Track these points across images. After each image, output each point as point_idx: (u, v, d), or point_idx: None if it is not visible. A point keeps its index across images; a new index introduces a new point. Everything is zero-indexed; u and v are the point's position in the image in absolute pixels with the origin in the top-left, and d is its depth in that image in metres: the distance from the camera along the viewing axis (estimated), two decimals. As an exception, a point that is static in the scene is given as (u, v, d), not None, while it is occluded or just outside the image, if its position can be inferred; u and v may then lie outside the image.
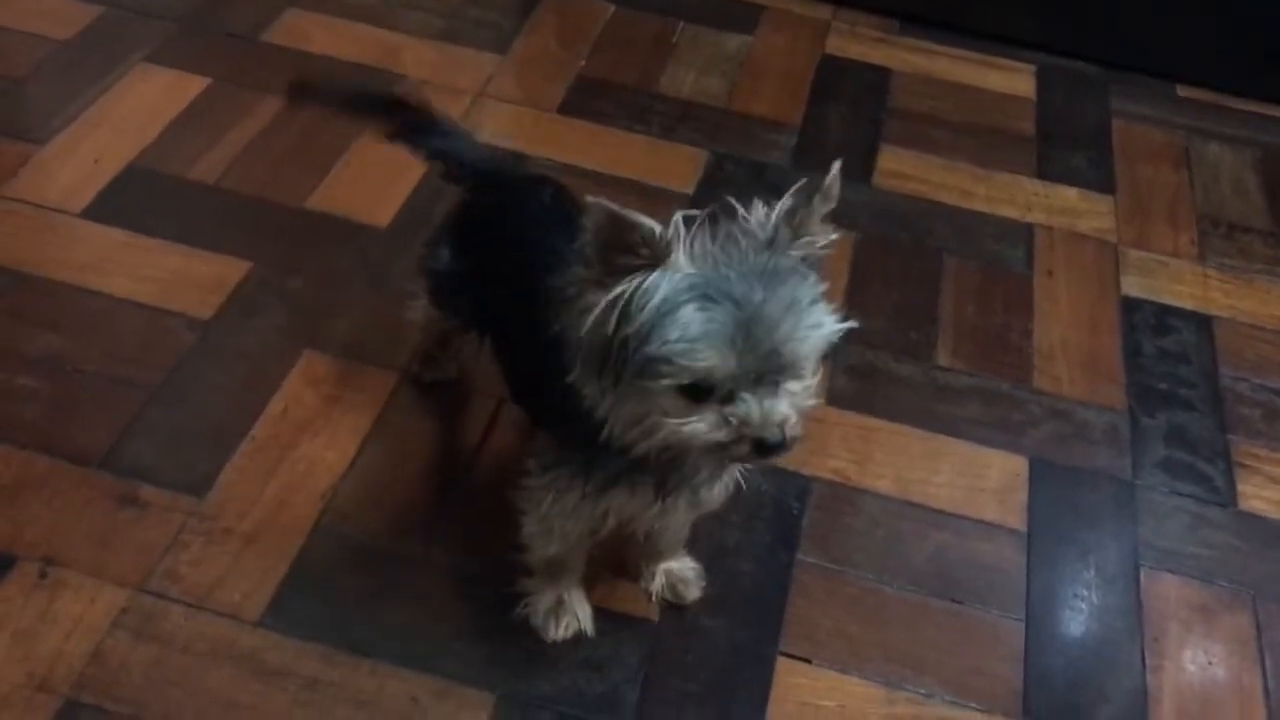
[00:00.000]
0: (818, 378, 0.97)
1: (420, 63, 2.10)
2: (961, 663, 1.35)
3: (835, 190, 0.95)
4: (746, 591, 1.39)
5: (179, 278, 1.65)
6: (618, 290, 0.91)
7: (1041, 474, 1.56)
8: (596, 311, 0.92)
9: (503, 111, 2.04)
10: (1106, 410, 1.66)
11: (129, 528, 1.36)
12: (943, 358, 1.71)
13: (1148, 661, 1.37)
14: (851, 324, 0.95)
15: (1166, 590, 1.45)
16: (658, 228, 0.90)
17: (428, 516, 1.41)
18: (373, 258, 1.73)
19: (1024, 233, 1.95)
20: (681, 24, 2.31)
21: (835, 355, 1.67)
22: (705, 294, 0.90)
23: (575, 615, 1.30)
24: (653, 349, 0.90)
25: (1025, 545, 1.48)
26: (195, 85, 1.97)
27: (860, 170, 2.02)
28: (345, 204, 1.80)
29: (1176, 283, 1.89)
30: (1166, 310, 1.84)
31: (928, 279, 1.84)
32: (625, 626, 1.33)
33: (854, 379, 1.66)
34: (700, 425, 0.94)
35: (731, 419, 0.93)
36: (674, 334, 0.90)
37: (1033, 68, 2.31)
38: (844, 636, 1.36)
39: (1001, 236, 1.94)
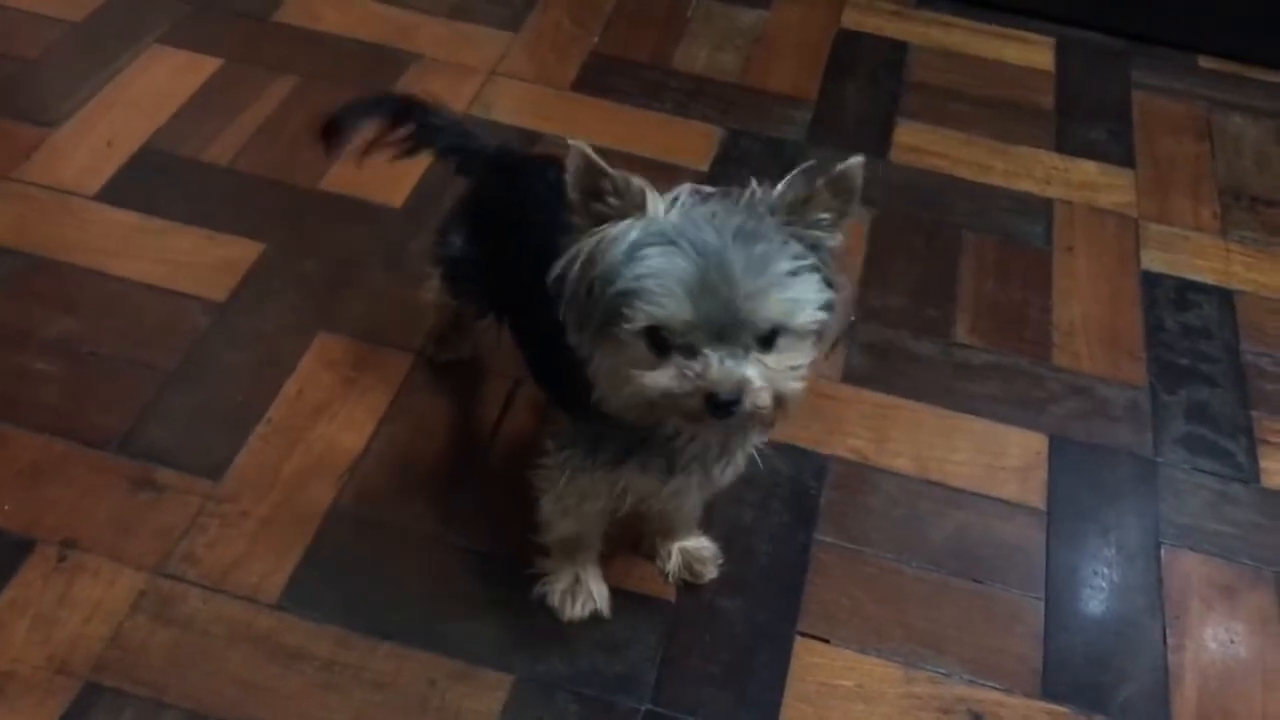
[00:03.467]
0: (811, 358, 0.96)
1: (432, 41, 2.09)
2: (981, 642, 1.34)
3: (850, 180, 0.94)
4: (764, 571, 1.38)
5: (193, 260, 1.65)
6: (589, 236, 0.94)
7: (1061, 451, 1.55)
8: (569, 254, 0.95)
9: (515, 89, 2.03)
10: (1127, 386, 1.65)
11: (146, 511, 1.36)
12: (961, 334, 1.70)
13: (1169, 640, 1.36)
14: (830, 311, 0.94)
15: (1188, 568, 1.44)
16: (633, 179, 0.93)
17: (445, 498, 1.41)
18: (387, 238, 1.72)
19: (1043, 208, 1.92)
20: (695, -1, 2.29)
21: (852, 333, 1.66)
22: (671, 240, 0.91)
23: (592, 595, 1.30)
24: (616, 288, 0.92)
25: (1045, 523, 1.47)
26: (208, 66, 1.96)
27: (877, 145, 2.00)
28: (358, 185, 1.79)
29: (1198, 257, 1.87)
30: (1188, 285, 1.82)
31: (946, 255, 1.82)
32: (643, 607, 1.33)
33: (871, 357, 1.64)
34: (659, 376, 0.93)
35: (688, 371, 0.92)
36: (634, 273, 0.91)
37: (1052, 40, 2.28)
38: (862, 616, 1.35)
39: (1021, 211, 1.91)
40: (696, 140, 1.96)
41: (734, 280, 0.89)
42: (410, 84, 1.96)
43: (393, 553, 1.36)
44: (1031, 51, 2.26)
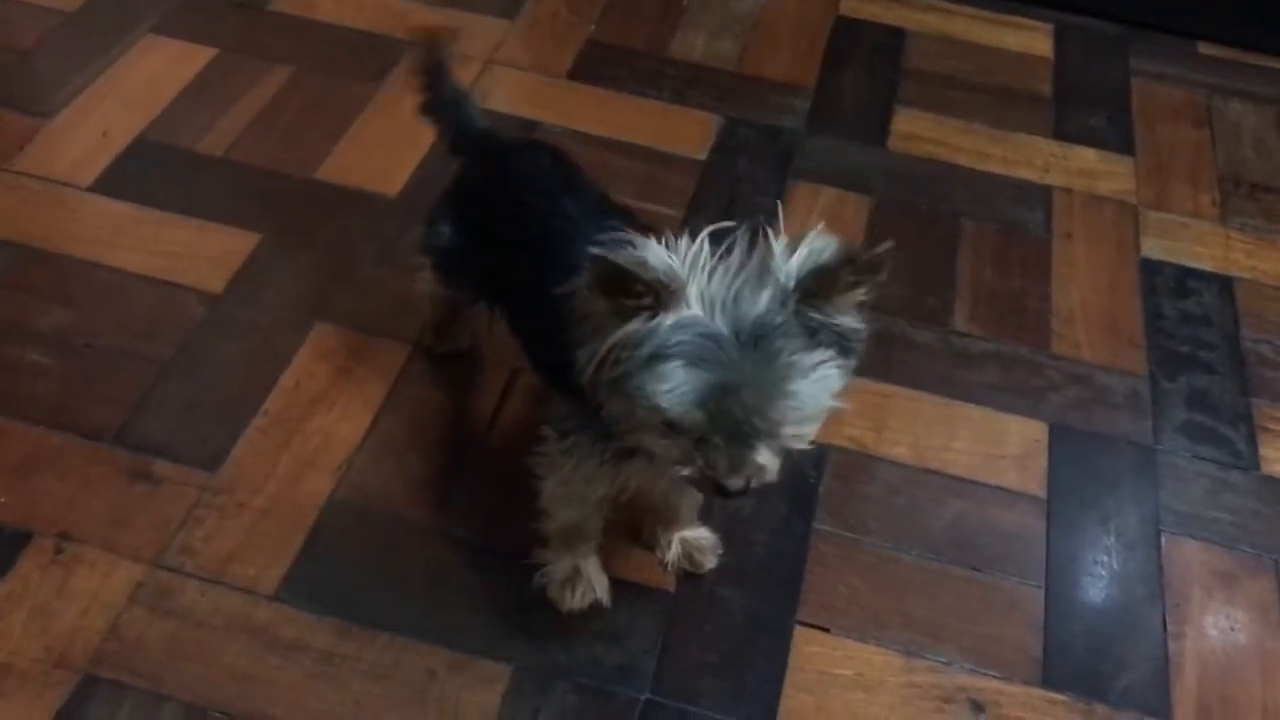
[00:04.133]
0: (816, 426, 0.96)
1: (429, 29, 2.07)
2: (981, 630, 1.34)
3: (875, 266, 0.90)
4: (763, 561, 1.38)
5: (189, 251, 1.64)
6: (620, 334, 0.91)
7: (1061, 439, 1.54)
8: (600, 347, 0.93)
9: (512, 77, 2.02)
10: (1127, 374, 1.64)
11: (143, 503, 1.36)
12: (960, 323, 1.69)
13: (1169, 628, 1.36)
14: (840, 406, 0.94)
15: (1188, 556, 1.44)
16: (668, 270, 0.89)
17: (443, 489, 1.41)
18: (382, 229, 1.71)
19: (1042, 195, 1.92)
20: (692, -14, 2.28)
21: (851, 321, 1.66)
22: (695, 355, 0.89)
23: (592, 585, 1.30)
24: (635, 385, 0.91)
25: (1045, 511, 1.46)
26: (202, 56, 1.95)
27: (876, 133, 2.00)
28: (354, 174, 1.79)
29: (1197, 244, 1.86)
30: (1187, 272, 1.81)
31: (945, 243, 1.81)
32: (642, 597, 1.33)
33: (870, 345, 1.62)
34: (673, 452, 0.95)
35: (698, 460, 0.93)
36: (654, 385, 0.90)
37: (1050, 27, 2.27)
38: (862, 605, 1.35)
39: (1019, 199, 1.91)
40: (694, 129, 1.95)
41: (750, 404, 0.90)
42: (406, 73, 1.95)
43: (391, 544, 1.35)
44: (1030, 38, 2.25)
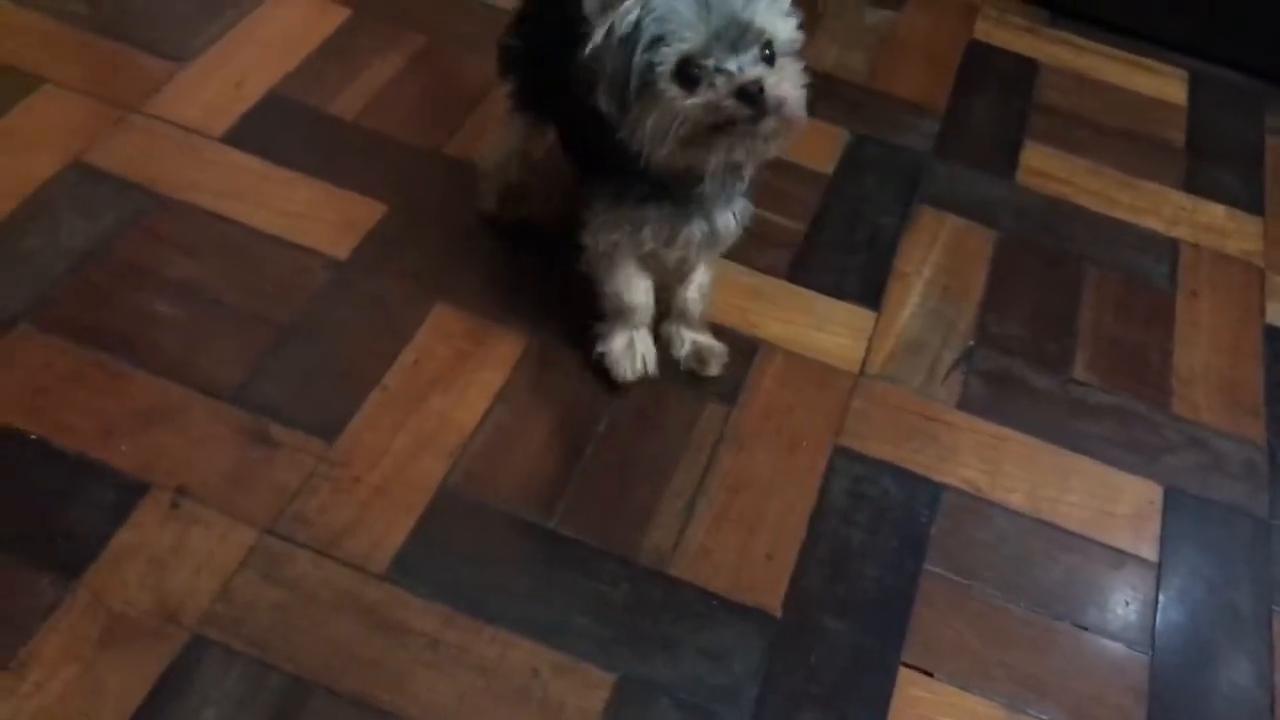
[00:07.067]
0: (800, 66, 1.18)
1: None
2: (1084, 690, 1.32)
3: None
4: (871, 597, 1.36)
5: (315, 213, 1.63)
6: (610, 18, 1.13)
7: (1176, 504, 1.51)
8: (595, 36, 1.14)
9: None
10: (1246, 443, 1.61)
11: (260, 467, 1.35)
12: (1080, 371, 1.66)
13: (1276, 710, 1.34)
14: (798, 36, 1.18)
15: (1299, 638, 1.41)
16: None
17: (555, 485, 1.40)
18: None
19: (1168, 247, 1.88)
20: (828, -8, 2.25)
21: (970, 358, 1.63)
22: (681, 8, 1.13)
23: (642, 357, 1.46)
24: (643, 44, 1.13)
25: (1156, 576, 1.44)
26: (337, 15, 1.94)
27: (1004, 165, 1.96)
28: (481, 153, 1.77)
29: (1323, 316, 1.82)
30: (1311, 345, 1.77)
31: (1068, 286, 1.78)
32: (747, 618, 1.32)
33: (988, 385, 1.61)
34: (699, 96, 1.13)
35: (718, 80, 1.12)
36: (653, 27, 1.12)
37: (1185, 74, 2.22)
38: (967, 652, 1.33)
39: (1145, 249, 1.87)
40: (822, 140, 1.92)
41: (728, 6, 1.12)
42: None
43: (500, 536, 1.35)
44: (1164, 83, 2.20)
